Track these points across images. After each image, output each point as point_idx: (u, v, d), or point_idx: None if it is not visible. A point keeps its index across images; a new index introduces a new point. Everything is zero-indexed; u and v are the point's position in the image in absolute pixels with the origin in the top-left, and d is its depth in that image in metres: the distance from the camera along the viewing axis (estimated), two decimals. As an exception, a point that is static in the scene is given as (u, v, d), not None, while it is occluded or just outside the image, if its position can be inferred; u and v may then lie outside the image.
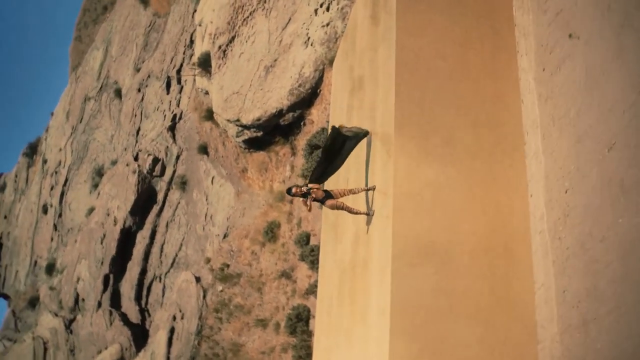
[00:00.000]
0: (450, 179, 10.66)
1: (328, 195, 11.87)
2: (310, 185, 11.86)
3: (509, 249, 10.41)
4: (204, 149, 29.68)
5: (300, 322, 20.84)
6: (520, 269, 10.29)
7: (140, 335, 29.73)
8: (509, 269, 10.30)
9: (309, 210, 12.69)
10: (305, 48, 22.41)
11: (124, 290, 31.51)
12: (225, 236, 27.24)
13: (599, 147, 8.59)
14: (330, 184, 13.30)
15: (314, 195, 11.78)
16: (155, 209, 31.73)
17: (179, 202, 30.69)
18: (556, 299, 9.34)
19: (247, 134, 25.52)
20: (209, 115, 28.38)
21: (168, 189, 31.58)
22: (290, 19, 23.47)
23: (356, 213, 11.88)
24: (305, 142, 22.87)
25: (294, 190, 11.84)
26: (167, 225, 30.91)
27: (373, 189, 11.73)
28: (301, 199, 11.91)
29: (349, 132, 11.99)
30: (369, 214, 11.74)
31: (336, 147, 12.05)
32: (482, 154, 10.90)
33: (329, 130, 12.29)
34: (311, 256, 20.63)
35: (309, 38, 22.39)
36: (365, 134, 12.18)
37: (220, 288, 25.96)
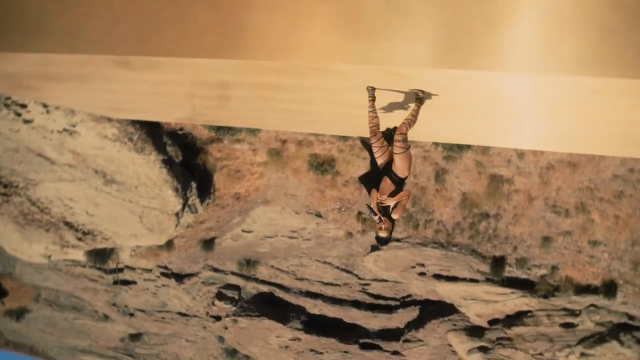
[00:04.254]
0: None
1: (388, 171, 8.64)
2: (385, 200, 8.48)
3: None
4: (207, 243, 26.22)
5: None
6: None
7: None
8: None
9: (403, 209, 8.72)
10: (69, 135, 18.27)
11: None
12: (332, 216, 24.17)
13: None
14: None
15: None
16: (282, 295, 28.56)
17: (276, 274, 27.57)
18: None
19: (193, 201, 21.89)
20: (169, 243, 24.66)
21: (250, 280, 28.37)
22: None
23: (416, 112, 8.74)
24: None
25: (384, 234, 8.21)
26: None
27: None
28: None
29: None
30: (421, 96, 8.73)
31: None
32: None
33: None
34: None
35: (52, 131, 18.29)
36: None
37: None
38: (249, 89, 10.51)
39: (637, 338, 21.96)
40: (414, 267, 24.69)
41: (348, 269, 26.74)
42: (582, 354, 22.58)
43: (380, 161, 8.68)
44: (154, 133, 18.93)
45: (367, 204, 8.31)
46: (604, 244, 20.48)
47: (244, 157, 22.03)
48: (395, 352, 28.15)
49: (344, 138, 20.20)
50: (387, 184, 8.40)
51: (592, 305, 22.03)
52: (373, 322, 28.70)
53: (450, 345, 26.24)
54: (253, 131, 20.41)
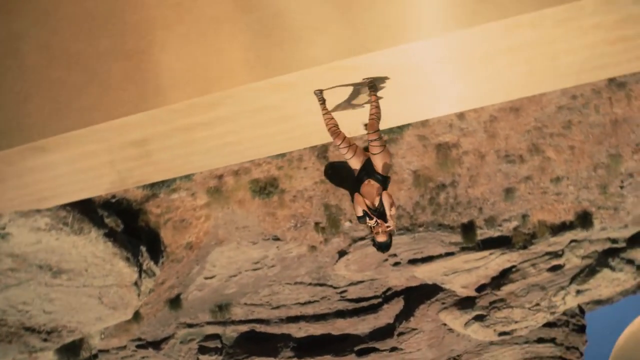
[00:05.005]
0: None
1: (371, 173, 7.98)
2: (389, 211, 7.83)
3: None
4: (174, 301, 25.28)
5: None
6: None
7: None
8: None
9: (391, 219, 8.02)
10: (1, 239, 17.41)
11: None
12: (295, 226, 23.52)
13: None
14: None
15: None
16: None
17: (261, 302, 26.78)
18: None
19: (147, 265, 21.03)
20: (136, 314, 23.72)
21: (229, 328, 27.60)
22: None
23: (377, 101, 8.28)
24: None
25: (383, 238, 7.81)
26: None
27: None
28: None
29: None
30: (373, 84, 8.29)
31: None
32: None
33: None
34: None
35: None
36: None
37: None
38: (170, 136, 9.84)
39: (625, 259, 21.93)
40: (386, 259, 24.32)
41: (321, 282, 26.25)
42: (578, 292, 22.47)
43: (354, 163, 8.03)
44: (87, 209, 18.03)
45: (363, 211, 7.60)
46: (567, 177, 20.32)
47: (185, 204, 21.27)
48: (393, 349, 27.76)
49: (280, 154, 19.62)
50: (371, 185, 7.75)
51: (572, 241, 21.91)
52: (362, 326, 28.25)
53: (446, 324, 25.95)
54: (187, 176, 19.69)
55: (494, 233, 21.96)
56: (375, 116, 7.95)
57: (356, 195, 7.67)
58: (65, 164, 10.54)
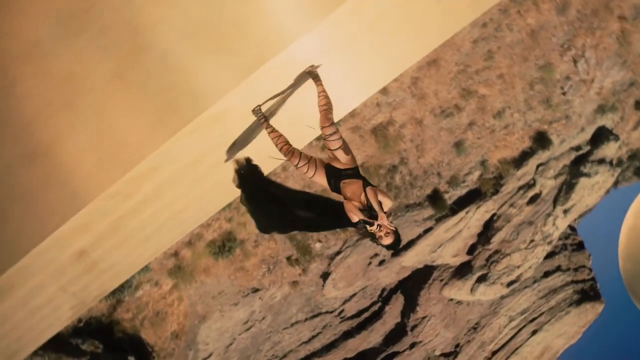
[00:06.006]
0: None
1: (340, 174, 7.20)
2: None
3: None
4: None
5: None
6: None
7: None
8: None
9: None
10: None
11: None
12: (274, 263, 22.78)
13: None
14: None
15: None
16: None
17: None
18: None
19: None
20: None
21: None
22: None
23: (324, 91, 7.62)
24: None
25: (389, 239, 6.84)
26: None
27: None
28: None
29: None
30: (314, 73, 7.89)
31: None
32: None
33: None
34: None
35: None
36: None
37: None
38: (116, 229, 8.90)
39: (596, 161, 21.72)
40: (370, 263, 23.77)
41: (316, 313, 25.59)
42: (565, 211, 22.24)
43: (318, 179, 7.17)
44: (59, 345, 17.19)
45: (361, 219, 6.67)
46: (507, 107, 20.06)
47: (153, 297, 20.45)
48: (413, 344, 27.23)
49: (226, 206, 18.86)
50: (351, 183, 6.93)
51: (538, 166, 21.71)
52: (373, 337, 27.65)
53: (452, 299, 25.48)
54: (143, 269, 18.77)
55: (461, 191, 21.57)
56: (327, 107, 7.21)
57: (345, 202, 6.81)
58: (18, 309, 9.61)
